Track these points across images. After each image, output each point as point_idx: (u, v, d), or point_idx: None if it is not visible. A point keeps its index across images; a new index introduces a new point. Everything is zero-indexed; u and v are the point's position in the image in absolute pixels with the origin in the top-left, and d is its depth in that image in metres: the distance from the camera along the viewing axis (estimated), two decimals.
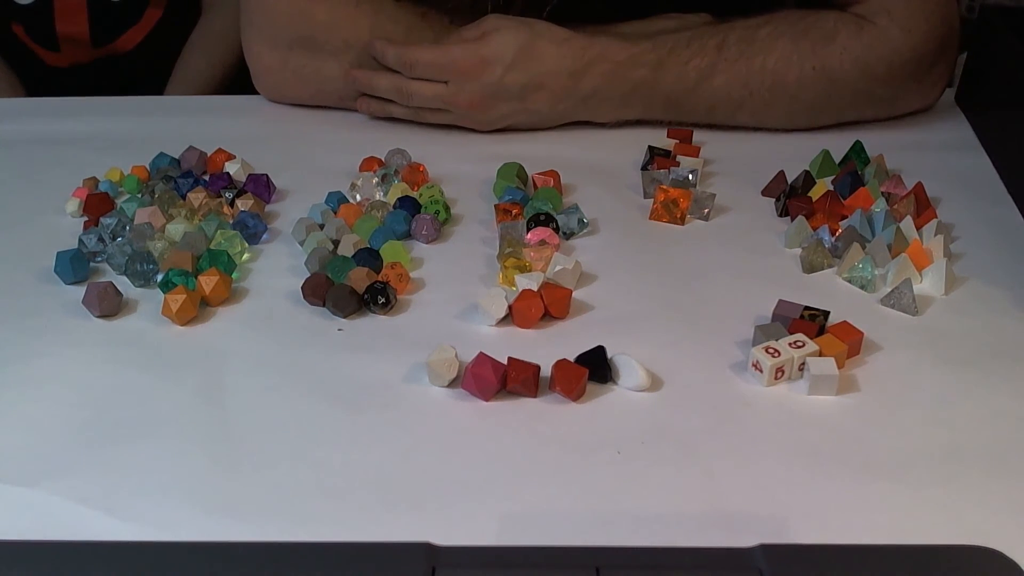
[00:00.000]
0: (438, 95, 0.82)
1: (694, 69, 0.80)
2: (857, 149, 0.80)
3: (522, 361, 0.58)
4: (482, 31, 0.80)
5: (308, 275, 0.66)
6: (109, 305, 0.64)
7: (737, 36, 0.81)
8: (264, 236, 0.73)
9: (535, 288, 0.64)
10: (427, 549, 0.46)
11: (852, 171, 0.77)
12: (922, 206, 0.73)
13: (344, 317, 0.65)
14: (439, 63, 0.81)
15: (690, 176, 0.77)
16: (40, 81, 1.25)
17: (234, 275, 0.68)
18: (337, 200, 0.75)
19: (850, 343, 0.60)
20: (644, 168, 0.80)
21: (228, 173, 0.79)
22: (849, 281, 0.67)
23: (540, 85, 0.81)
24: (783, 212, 0.75)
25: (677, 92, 0.82)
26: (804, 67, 0.80)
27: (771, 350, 0.59)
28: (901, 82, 0.82)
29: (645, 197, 0.78)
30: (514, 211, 0.73)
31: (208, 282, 0.65)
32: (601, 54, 0.81)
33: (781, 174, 0.78)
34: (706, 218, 0.75)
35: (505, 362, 0.58)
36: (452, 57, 0.80)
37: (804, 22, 0.81)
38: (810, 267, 0.69)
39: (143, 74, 1.26)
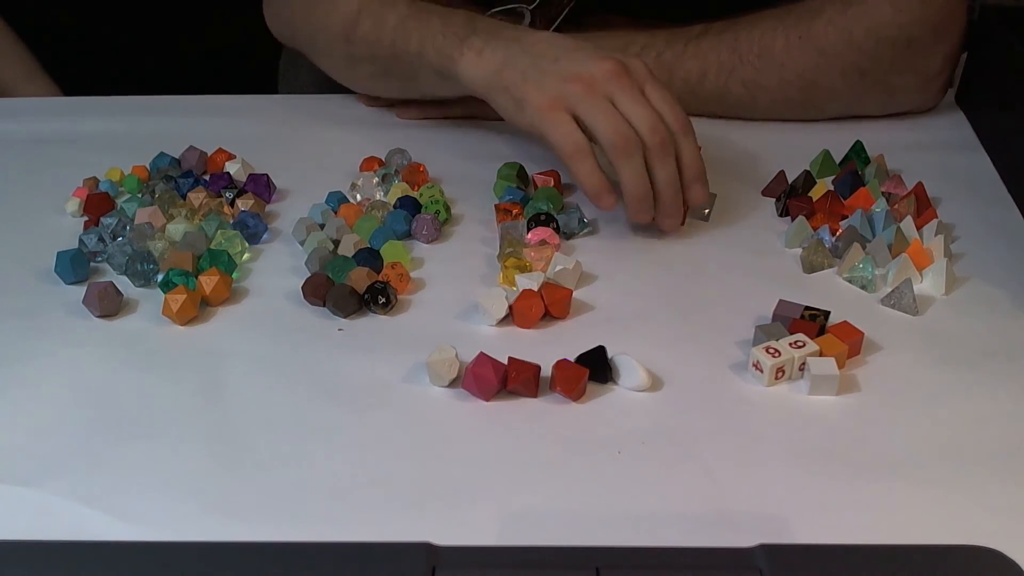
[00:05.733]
0: None
1: (682, 36, 0.83)
2: (857, 149, 0.80)
3: (522, 361, 0.58)
4: None
5: (308, 275, 0.66)
6: (109, 305, 0.64)
7: (721, 22, 0.83)
8: (264, 236, 0.73)
9: (535, 288, 0.64)
10: (427, 549, 0.46)
11: (852, 171, 0.77)
12: (922, 206, 0.73)
13: (344, 317, 0.65)
14: None
15: None
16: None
17: (234, 275, 0.68)
18: (337, 200, 0.75)
19: (850, 343, 0.60)
20: None
21: (228, 173, 0.79)
22: (849, 281, 0.67)
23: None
24: (783, 212, 0.75)
25: (668, 53, 0.83)
26: (790, 36, 0.81)
27: (771, 350, 0.59)
28: (891, 61, 0.82)
29: None
30: (514, 211, 0.73)
31: (208, 282, 0.65)
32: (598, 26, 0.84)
33: (781, 174, 0.78)
34: (706, 218, 0.75)
35: (505, 362, 0.58)
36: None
37: (790, 4, 0.83)
38: (810, 267, 0.69)
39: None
